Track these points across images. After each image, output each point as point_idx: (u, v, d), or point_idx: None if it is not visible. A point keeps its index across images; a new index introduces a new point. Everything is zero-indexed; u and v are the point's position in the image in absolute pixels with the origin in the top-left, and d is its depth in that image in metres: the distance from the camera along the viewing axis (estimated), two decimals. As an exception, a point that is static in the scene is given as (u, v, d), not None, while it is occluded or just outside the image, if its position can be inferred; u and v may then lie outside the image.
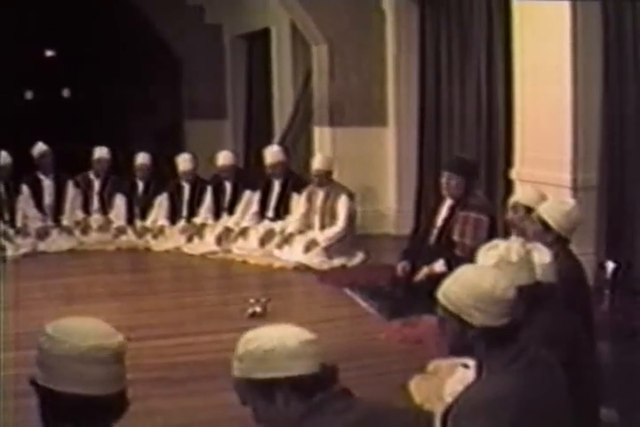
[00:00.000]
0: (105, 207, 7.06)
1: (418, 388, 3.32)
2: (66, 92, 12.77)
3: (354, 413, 1.62)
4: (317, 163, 6.21)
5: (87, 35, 10.84)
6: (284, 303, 4.89)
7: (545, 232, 3.21)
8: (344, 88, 7.07)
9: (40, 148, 6.97)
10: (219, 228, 6.58)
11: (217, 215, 6.79)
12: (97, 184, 7.12)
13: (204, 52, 9.98)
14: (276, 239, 6.19)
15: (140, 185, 7.06)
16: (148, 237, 6.80)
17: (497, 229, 4.45)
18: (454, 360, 3.34)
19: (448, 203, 4.81)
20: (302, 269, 5.84)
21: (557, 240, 3.14)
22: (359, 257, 6.04)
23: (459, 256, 4.52)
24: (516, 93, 5.36)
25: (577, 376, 2.12)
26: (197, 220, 6.79)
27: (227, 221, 6.66)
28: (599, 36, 4.74)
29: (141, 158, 7.03)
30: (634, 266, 4.70)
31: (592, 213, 4.86)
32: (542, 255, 2.54)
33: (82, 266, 6.18)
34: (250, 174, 7.16)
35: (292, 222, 6.28)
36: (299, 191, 6.37)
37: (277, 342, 1.62)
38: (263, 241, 6.25)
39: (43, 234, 6.68)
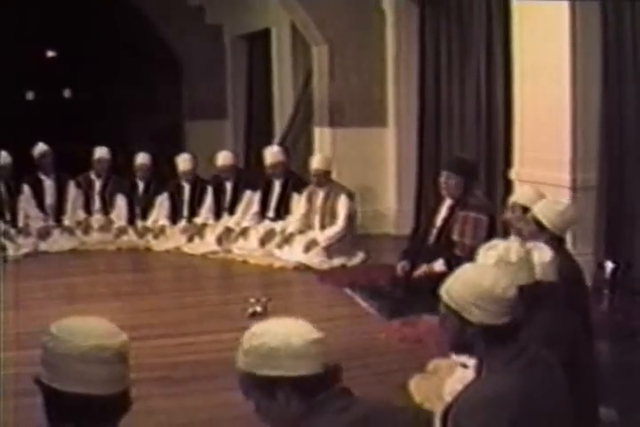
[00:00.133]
0: (106, 207, 7.08)
1: (418, 387, 3.33)
2: (67, 93, 12.77)
3: (353, 412, 1.62)
4: (316, 162, 6.23)
5: (88, 35, 10.84)
6: (284, 303, 4.90)
7: (540, 232, 3.22)
8: (344, 88, 7.08)
9: (40, 148, 6.99)
10: (219, 228, 6.60)
11: (217, 215, 6.80)
12: (98, 184, 7.14)
13: (204, 52, 9.99)
14: (277, 239, 6.21)
15: (141, 185, 7.07)
16: (149, 237, 6.82)
17: (496, 228, 4.46)
18: (454, 360, 3.36)
19: (448, 203, 4.83)
20: (302, 268, 5.85)
21: (552, 240, 3.15)
22: (359, 257, 6.06)
23: (458, 256, 4.53)
24: (515, 93, 5.37)
25: (576, 376, 2.13)
26: (198, 220, 6.81)
27: (227, 221, 6.67)
28: (598, 36, 4.75)
29: (141, 158, 7.04)
30: (633, 266, 4.71)
31: (591, 214, 4.88)
32: (543, 254, 2.55)
33: (83, 266, 6.20)
34: (250, 174, 7.17)
35: (292, 222, 6.29)
36: (299, 191, 6.39)
37: (282, 340, 1.61)
38: (263, 241, 6.26)
39: (44, 234, 6.70)
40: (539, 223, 3.27)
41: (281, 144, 7.86)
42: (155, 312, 4.71)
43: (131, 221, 6.99)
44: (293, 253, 6.00)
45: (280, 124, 8.97)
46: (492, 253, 2.37)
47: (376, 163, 7.18)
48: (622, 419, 2.91)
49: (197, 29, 9.92)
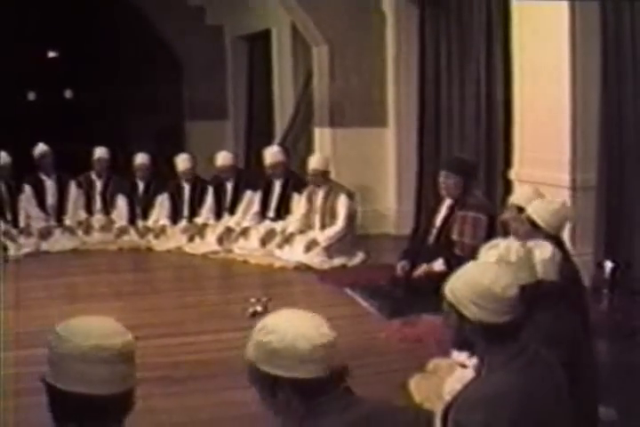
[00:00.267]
0: (107, 207, 7.10)
1: (418, 387, 3.34)
2: (68, 93, 12.80)
3: (354, 412, 1.61)
4: (313, 162, 6.24)
5: (89, 36, 10.87)
6: (284, 303, 4.88)
7: (534, 232, 3.24)
8: (344, 89, 7.09)
9: (40, 148, 7.01)
10: (220, 228, 6.61)
11: (218, 215, 6.82)
12: (99, 184, 7.16)
13: (204, 52, 10.00)
14: (277, 239, 6.22)
15: (141, 185, 7.09)
16: (150, 236, 6.84)
17: (496, 228, 4.46)
18: (453, 359, 3.37)
19: (447, 203, 4.84)
20: (303, 268, 5.86)
21: (548, 239, 3.16)
22: (359, 257, 6.07)
23: (458, 255, 4.55)
24: (514, 94, 5.38)
25: (576, 376, 2.13)
26: (199, 220, 6.82)
27: (228, 221, 6.68)
28: (598, 37, 4.75)
29: (140, 158, 7.06)
30: (632, 266, 4.72)
31: (590, 214, 4.89)
32: (543, 251, 2.56)
33: (84, 266, 6.22)
34: (251, 175, 7.18)
35: (292, 222, 6.31)
36: (299, 191, 6.40)
37: (289, 341, 1.58)
38: (264, 241, 6.28)
39: (45, 234, 6.72)
40: (533, 223, 3.29)
41: (281, 144, 7.87)
42: (155, 312, 4.72)
43: (131, 220, 7.01)
44: (294, 253, 6.01)
45: (280, 124, 8.99)
46: (492, 252, 2.38)
47: (376, 163, 7.19)
48: (621, 418, 2.92)
49: (198, 30, 9.93)
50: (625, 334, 4.05)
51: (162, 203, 7.00)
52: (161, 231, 6.84)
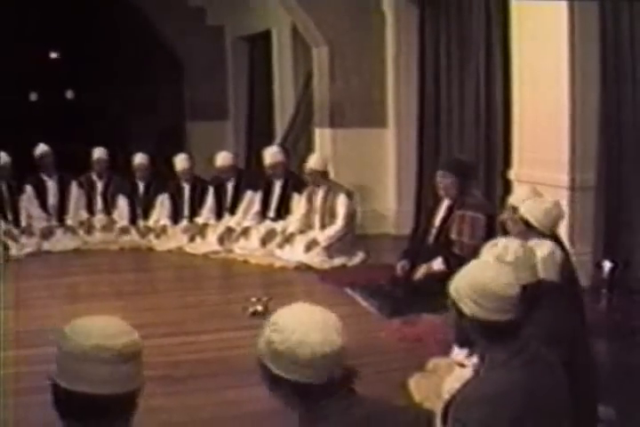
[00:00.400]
0: (108, 207, 7.12)
1: (417, 386, 3.35)
2: (69, 94, 12.82)
3: (354, 413, 1.61)
4: (311, 162, 6.24)
5: (90, 37, 10.89)
6: (285, 302, 4.87)
7: (528, 231, 3.25)
8: (344, 89, 7.10)
9: (41, 148, 7.03)
10: (221, 228, 6.63)
11: (219, 215, 6.84)
12: (100, 185, 7.18)
13: (205, 53, 10.02)
14: (278, 239, 6.23)
15: (141, 185, 7.11)
16: (151, 236, 6.86)
17: (495, 227, 4.47)
18: (453, 359, 3.39)
19: (446, 203, 4.86)
20: (303, 268, 5.88)
21: (540, 238, 3.16)
22: (359, 257, 6.08)
23: (457, 255, 4.57)
24: (514, 94, 5.39)
25: (576, 375, 2.14)
26: (199, 220, 6.84)
27: (228, 221, 6.70)
28: (596, 37, 4.76)
29: (139, 159, 7.07)
30: (631, 265, 4.73)
31: (589, 213, 4.90)
32: (543, 250, 2.58)
33: (86, 265, 6.23)
34: (251, 175, 7.20)
35: (292, 222, 6.32)
36: (299, 191, 6.42)
37: (291, 345, 1.57)
38: (264, 241, 6.29)
39: (47, 234, 6.74)
40: (526, 223, 3.31)
41: (281, 145, 7.89)
42: (156, 311, 4.73)
43: (133, 221, 7.03)
44: (294, 253, 6.03)
45: (281, 124, 9.00)
46: (492, 251, 2.41)
47: (376, 163, 7.21)
48: (620, 418, 2.93)
49: (198, 30, 9.94)
50: (624, 333, 4.06)
51: (162, 203, 7.02)
52: (162, 231, 6.86)
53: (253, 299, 4.67)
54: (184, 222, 6.89)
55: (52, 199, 7.02)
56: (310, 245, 5.97)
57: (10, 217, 6.75)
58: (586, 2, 4.73)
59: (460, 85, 6.48)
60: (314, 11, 6.97)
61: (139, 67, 10.84)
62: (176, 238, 6.77)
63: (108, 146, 7.32)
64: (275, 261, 6.10)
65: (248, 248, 6.36)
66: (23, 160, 6.86)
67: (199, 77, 10.12)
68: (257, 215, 6.64)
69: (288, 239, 6.16)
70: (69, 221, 6.97)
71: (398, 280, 4.84)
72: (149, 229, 6.90)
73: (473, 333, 1.98)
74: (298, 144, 8.32)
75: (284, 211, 6.53)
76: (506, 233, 3.77)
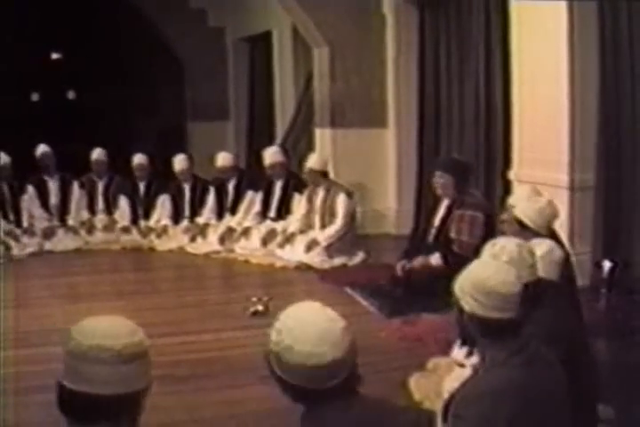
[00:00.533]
0: (109, 208, 7.14)
1: (417, 385, 3.35)
2: (71, 94, 12.84)
3: (355, 413, 1.62)
4: (310, 162, 6.26)
5: (92, 37, 10.91)
6: (285, 302, 4.86)
7: (523, 231, 3.26)
8: (345, 90, 7.11)
9: (41, 149, 7.05)
10: (221, 228, 6.64)
11: (220, 215, 6.85)
12: (101, 185, 7.20)
13: (206, 54, 10.04)
14: (278, 239, 6.25)
15: (142, 186, 7.13)
16: (152, 236, 6.87)
17: (494, 226, 4.48)
18: (453, 358, 3.40)
19: (445, 202, 4.88)
20: (303, 268, 5.89)
21: (535, 238, 3.17)
22: (360, 256, 6.09)
23: (455, 252, 4.59)
24: (513, 95, 5.39)
25: (575, 374, 2.15)
26: (200, 220, 6.85)
27: (229, 221, 6.72)
28: (596, 37, 4.77)
29: (138, 159, 7.09)
30: (630, 265, 4.74)
31: (589, 213, 4.91)
32: (541, 249, 2.59)
33: (87, 265, 6.25)
34: (252, 175, 7.21)
35: (293, 222, 6.34)
36: (300, 191, 6.43)
37: (283, 349, 1.58)
38: (265, 241, 6.31)
39: (49, 234, 6.77)
40: (521, 223, 3.33)
41: (282, 145, 7.90)
42: (157, 311, 4.74)
43: (134, 221, 7.05)
44: (295, 253, 6.04)
45: (281, 125, 9.02)
46: (489, 250, 2.43)
47: (376, 163, 7.22)
48: (619, 417, 2.93)
49: (200, 32, 9.97)
50: (623, 333, 4.06)
51: (163, 203, 7.04)
52: (163, 231, 6.88)
53: (254, 299, 4.69)
54: (185, 222, 6.91)
55: (53, 199, 7.04)
56: (311, 245, 5.98)
57: (12, 217, 6.77)
58: (585, 2, 4.74)
59: (459, 86, 6.49)
60: (314, 11, 6.99)
61: (140, 67, 10.86)
62: (177, 238, 6.79)
63: (109, 146, 7.34)
64: (275, 260, 6.11)
65: (249, 248, 6.37)
66: (24, 160, 6.87)
67: (200, 78, 10.14)
68: (258, 215, 6.65)
69: (288, 239, 6.18)
70: (71, 221, 6.99)
71: (398, 280, 4.85)
72: (150, 229, 6.92)
73: (473, 330, 1.99)
74: (298, 144, 8.33)
75: (284, 211, 6.55)
76: (504, 233, 3.78)
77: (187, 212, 6.97)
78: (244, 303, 4.68)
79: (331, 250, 5.97)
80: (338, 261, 5.96)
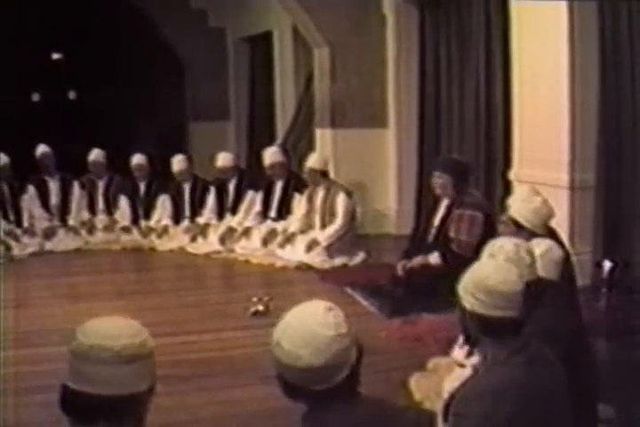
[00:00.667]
0: (110, 208, 7.14)
1: (417, 385, 3.36)
2: (71, 95, 12.85)
3: (356, 413, 1.63)
4: (310, 162, 6.27)
5: (92, 38, 10.91)
6: (286, 302, 4.89)
7: (519, 231, 3.27)
8: (345, 90, 7.12)
9: (41, 149, 7.05)
10: (222, 228, 6.65)
11: (220, 215, 6.86)
12: (101, 185, 7.21)
13: (207, 54, 10.05)
14: (279, 239, 6.25)
15: (142, 186, 7.13)
16: (153, 236, 6.88)
17: (493, 225, 4.47)
18: (453, 358, 3.40)
19: (445, 202, 4.88)
20: (304, 268, 5.89)
21: (533, 237, 3.18)
22: (360, 256, 6.10)
23: (454, 251, 4.59)
24: (514, 94, 5.40)
25: (576, 373, 2.16)
26: (201, 220, 6.86)
27: (230, 221, 6.72)
28: (596, 37, 4.77)
29: (136, 159, 7.10)
30: (631, 265, 4.74)
31: (589, 213, 4.91)
32: (540, 248, 2.59)
33: (87, 265, 6.26)
34: (252, 175, 7.22)
35: (293, 222, 6.34)
36: (300, 191, 6.44)
37: (279, 346, 1.60)
38: (266, 241, 6.31)
39: (50, 234, 6.77)
40: (517, 223, 3.33)
41: (282, 145, 7.91)
42: (158, 311, 4.74)
43: (134, 221, 7.05)
44: (295, 253, 6.05)
45: (282, 125, 9.03)
46: (488, 250, 2.44)
47: (377, 163, 7.22)
48: (620, 416, 2.94)
49: (200, 32, 9.98)
50: (623, 333, 4.06)
51: (163, 203, 7.04)
52: (163, 231, 6.88)
53: (254, 299, 4.69)
54: (185, 222, 6.92)
55: (54, 199, 7.05)
56: (311, 245, 5.99)
57: (12, 217, 6.78)
58: (585, 2, 4.74)
59: (460, 86, 6.50)
60: (314, 12, 6.99)
61: (141, 68, 10.86)
62: (177, 238, 6.79)
63: (109, 146, 7.34)
64: (276, 260, 6.11)
65: (249, 248, 6.38)
66: (25, 160, 6.88)
67: (201, 78, 10.15)
68: (258, 215, 6.66)
69: (289, 239, 6.18)
70: (71, 222, 7.00)
71: (399, 280, 4.85)
72: (151, 229, 6.92)
73: (474, 329, 2.00)
74: (299, 144, 8.34)
75: (285, 211, 6.55)
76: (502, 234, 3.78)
77: (187, 212, 6.97)
78: (244, 303, 4.69)
79: (331, 250, 5.98)
80: (338, 261, 5.97)
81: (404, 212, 7.17)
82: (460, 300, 2.00)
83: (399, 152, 7.23)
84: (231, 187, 6.86)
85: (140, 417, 1.58)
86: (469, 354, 2.94)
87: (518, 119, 5.34)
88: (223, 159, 6.85)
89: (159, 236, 6.86)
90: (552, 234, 3.34)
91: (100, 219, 7.09)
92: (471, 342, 2.11)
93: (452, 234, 4.71)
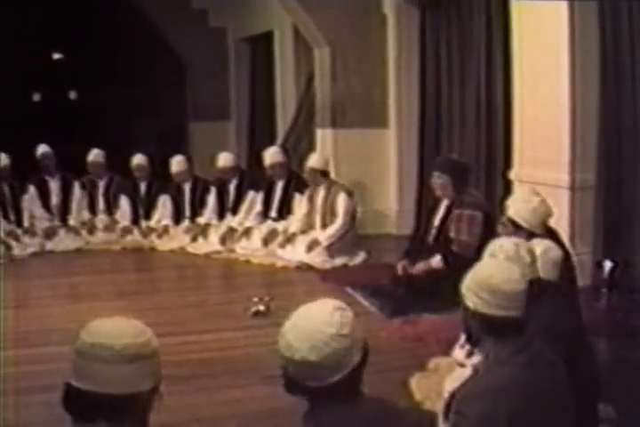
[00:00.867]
0: (110, 208, 7.15)
1: (418, 385, 3.36)
2: (72, 95, 12.86)
3: (357, 413, 1.63)
4: (311, 161, 6.27)
5: (93, 38, 10.92)
6: (286, 302, 4.92)
7: (517, 232, 3.27)
8: (346, 90, 7.12)
9: (42, 149, 7.06)
10: (222, 228, 6.65)
11: (221, 215, 6.86)
12: (101, 185, 7.21)
13: (208, 54, 10.06)
14: (279, 239, 6.25)
15: (142, 186, 7.14)
16: (153, 236, 6.88)
17: (493, 225, 4.47)
18: (454, 358, 3.40)
19: (445, 202, 4.88)
20: (304, 268, 5.89)
21: (532, 237, 3.18)
22: (361, 256, 6.10)
23: (455, 252, 4.59)
24: (514, 95, 5.40)
25: (576, 373, 2.16)
26: (201, 220, 6.86)
27: (230, 221, 6.73)
28: (596, 37, 4.78)
29: (137, 159, 7.10)
30: (631, 265, 4.74)
31: (590, 213, 4.92)
32: (539, 248, 2.60)
33: (88, 265, 6.26)
34: (253, 175, 7.22)
35: (294, 222, 6.34)
36: (301, 192, 6.44)
37: (283, 336, 1.61)
38: (266, 241, 6.31)
39: (50, 234, 6.78)
40: (515, 223, 3.33)
41: (282, 145, 7.91)
42: (158, 311, 4.73)
43: (135, 221, 7.06)
44: (296, 253, 6.05)
45: (282, 125, 9.03)
46: (488, 249, 2.44)
47: (377, 163, 7.23)
48: (620, 417, 2.94)
49: (201, 32, 9.98)
50: (624, 333, 4.06)
51: (164, 203, 7.04)
52: (164, 231, 6.88)
53: (255, 299, 4.69)
54: (186, 222, 6.92)
55: (54, 199, 7.06)
56: (312, 245, 5.99)
57: (13, 217, 6.79)
58: (586, 2, 4.74)
59: (460, 86, 6.50)
60: (315, 12, 7.00)
61: (141, 68, 10.86)
62: (178, 238, 6.79)
63: (109, 146, 7.35)
64: (276, 260, 6.11)
65: (250, 248, 6.38)
66: (25, 160, 6.88)
67: (201, 78, 10.15)
68: (259, 215, 6.66)
69: (290, 239, 6.18)
70: (72, 222, 7.00)
71: (399, 280, 4.86)
72: (151, 230, 6.93)
73: (476, 328, 2.01)
74: (299, 144, 8.34)
75: (285, 211, 6.56)
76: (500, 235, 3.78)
77: (188, 212, 6.98)
78: (245, 303, 4.69)
79: (332, 250, 5.98)
80: (339, 261, 5.97)
81: (404, 212, 7.17)
82: (463, 299, 2.00)
83: (400, 152, 7.23)
84: (232, 187, 6.86)
85: (142, 417, 1.59)
86: (470, 354, 2.94)
87: (519, 119, 5.34)
88: (224, 159, 6.85)
89: (160, 236, 6.86)
90: (552, 234, 3.35)
91: (101, 219, 7.09)
92: (472, 342, 2.11)
93: (452, 234, 4.71)
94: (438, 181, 4.83)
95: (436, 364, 3.57)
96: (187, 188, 7.01)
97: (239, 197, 6.81)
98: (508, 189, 5.48)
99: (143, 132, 11.20)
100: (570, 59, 4.77)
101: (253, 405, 3.30)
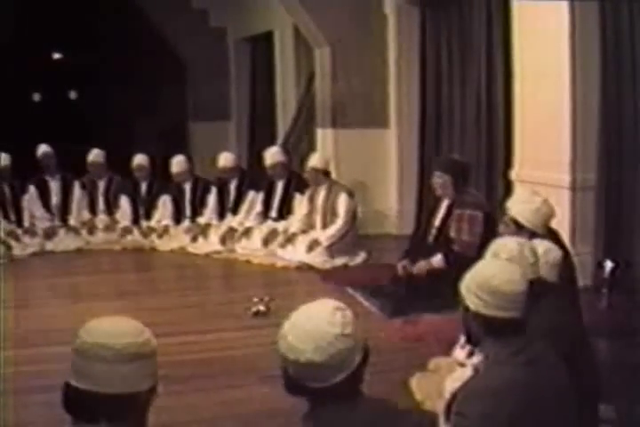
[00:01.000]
0: (110, 208, 7.15)
1: (419, 385, 3.36)
2: (72, 95, 12.87)
3: (358, 413, 1.63)
4: (311, 161, 6.27)
5: (93, 38, 10.93)
6: (286, 302, 4.91)
7: (519, 232, 3.26)
8: (346, 90, 7.12)
9: (42, 149, 7.06)
10: (223, 228, 6.65)
11: (221, 215, 6.86)
12: (101, 185, 7.21)
13: (208, 54, 10.06)
14: (279, 239, 6.25)
15: (143, 186, 7.14)
16: (154, 236, 6.88)
17: (493, 224, 4.46)
18: (454, 358, 3.40)
19: (445, 202, 4.88)
20: (305, 268, 5.89)
21: (532, 237, 3.17)
22: (361, 257, 6.10)
23: (456, 252, 4.59)
24: (515, 95, 5.40)
25: (576, 374, 2.15)
26: (202, 220, 6.86)
27: (231, 221, 6.73)
28: (597, 37, 4.77)
29: (138, 159, 7.10)
30: (632, 265, 4.74)
31: (590, 213, 4.91)
32: (540, 248, 2.59)
33: (88, 265, 6.26)
34: (253, 175, 7.22)
35: (294, 222, 6.34)
36: (301, 192, 6.44)
37: (285, 338, 1.61)
38: (266, 241, 6.31)
39: (50, 234, 6.78)
40: (517, 223, 3.33)
41: (283, 145, 7.91)
42: (158, 311, 4.74)
43: (135, 221, 7.06)
44: (296, 253, 6.04)
45: (283, 125, 9.03)
46: (490, 249, 2.44)
47: (377, 163, 7.22)
48: (620, 417, 2.94)
49: (201, 32, 9.98)
50: (624, 333, 4.06)
51: (164, 203, 7.04)
52: (164, 231, 6.88)
53: (255, 299, 4.69)
54: (186, 222, 6.92)
55: (54, 199, 7.06)
56: (312, 245, 5.99)
57: (13, 217, 6.79)
58: (586, 2, 4.74)
59: (461, 86, 6.49)
60: (316, 12, 6.99)
61: (142, 68, 10.87)
62: (178, 238, 6.79)
63: (110, 146, 7.35)
64: (276, 261, 6.11)
65: (250, 248, 6.38)
66: (26, 160, 6.88)
67: (202, 78, 10.16)
68: (259, 215, 6.66)
69: (290, 239, 6.18)
70: (72, 222, 7.00)
71: (400, 280, 4.85)
72: (152, 230, 6.93)
73: (477, 329, 2.00)
74: (300, 144, 8.34)
75: (285, 211, 6.56)
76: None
77: (188, 212, 6.98)
78: (245, 304, 4.68)
79: (332, 250, 5.98)
80: (339, 261, 5.97)
81: (405, 212, 7.17)
82: (463, 300, 2.00)
83: (400, 152, 7.22)
84: (232, 187, 6.86)
85: (141, 416, 1.60)
86: (471, 354, 2.93)
87: (519, 119, 5.34)
88: (224, 159, 6.85)
89: (160, 236, 6.86)
90: (552, 234, 3.34)
91: (101, 219, 7.09)
92: (473, 342, 2.11)
93: (452, 234, 4.71)
94: (439, 180, 4.83)
95: (436, 364, 3.57)
96: (187, 188, 7.01)
97: (239, 197, 6.81)
98: (508, 189, 5.48)
99: (143, 132, 11.20)
100: (570, 58, 4.77)
101: (253, 405, 3.30)
